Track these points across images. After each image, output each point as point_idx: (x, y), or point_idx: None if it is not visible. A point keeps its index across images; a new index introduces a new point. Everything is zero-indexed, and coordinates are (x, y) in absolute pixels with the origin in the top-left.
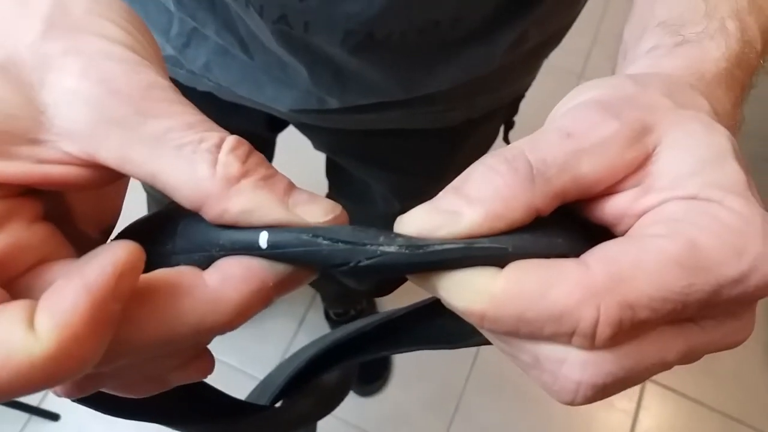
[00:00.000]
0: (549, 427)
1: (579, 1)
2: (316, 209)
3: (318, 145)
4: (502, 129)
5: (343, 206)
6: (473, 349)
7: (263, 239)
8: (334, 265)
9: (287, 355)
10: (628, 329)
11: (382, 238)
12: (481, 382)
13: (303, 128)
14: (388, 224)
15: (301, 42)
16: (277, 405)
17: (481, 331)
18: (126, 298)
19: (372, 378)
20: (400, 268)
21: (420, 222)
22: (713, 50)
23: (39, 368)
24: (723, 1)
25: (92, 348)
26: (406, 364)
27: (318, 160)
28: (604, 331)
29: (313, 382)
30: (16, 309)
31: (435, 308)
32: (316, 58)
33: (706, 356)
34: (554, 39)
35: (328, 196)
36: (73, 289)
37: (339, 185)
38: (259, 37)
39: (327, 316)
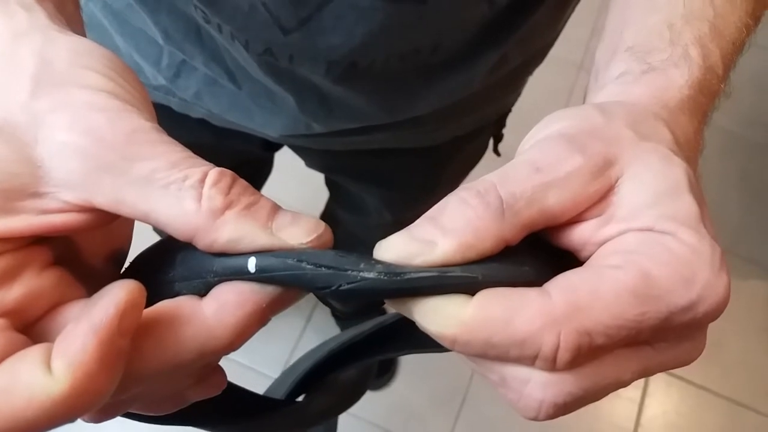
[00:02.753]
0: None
1: (560, 20)
2: (298, 231)
3: (310, 164)
4: (491, 142)
5: (341, 216)
6: None
7: (252, 264)
8: (317, 288)
9: (295, 353)
10: (587, 353)
11: (362, 265)
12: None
13: (294, 149)
14: (382, 233)
15: (287, 72)
16: (299, 400)
17: (453, 350)
18: (131, 334)
19: (380, 372)
20: (379, 293)
21: (398, 250)
22: (677, 78)
23: (59, 405)
24: (686, 27)
25: (105, 381)
26: (412, 359)
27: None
28: (563, 356)
29: (330, 379)
30: (34, 354)
31: None
32: (302, 87)
33: (710, 343)
34: (536, 58)
35: (328, 204)
36: (81, 332)
37: (336, 196)
38: (245, 68)
39: (333, 314)
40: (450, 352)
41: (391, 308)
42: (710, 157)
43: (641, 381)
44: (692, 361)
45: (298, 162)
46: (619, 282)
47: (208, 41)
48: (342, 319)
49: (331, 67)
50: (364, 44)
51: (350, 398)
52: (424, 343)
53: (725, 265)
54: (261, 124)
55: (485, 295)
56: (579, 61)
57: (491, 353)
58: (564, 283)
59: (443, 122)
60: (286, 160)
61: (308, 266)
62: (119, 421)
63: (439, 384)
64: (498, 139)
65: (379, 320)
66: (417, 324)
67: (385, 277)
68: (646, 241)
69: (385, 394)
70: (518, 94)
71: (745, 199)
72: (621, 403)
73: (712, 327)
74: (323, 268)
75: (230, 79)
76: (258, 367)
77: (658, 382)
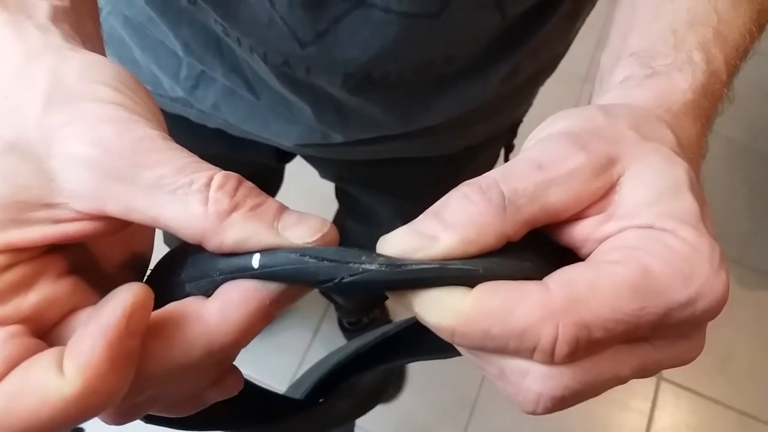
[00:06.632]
0: (565, 430)
1: (572, 30)
2: (303, 230)
3: (324, 175)
4: (502, 152)
5: (351, 227)
6: None
7: (255, 261)
8: (320, 281)
9: (303, 365)
10: (585, 347)
11: (364, 257)
12: (496, 386)
13: (309, 159)
14: None
15: (304, 83)
16: (320, 404)
17: (453, 344)
18: (140, 334)
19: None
20: (380, 284)
21: (400, 243)
22: (681, 82)
23: (72, 405)
24: (690, 33)
25: (115, 382)
26: (419, 370)
27: (329, 183)
28: (562, 348)
29: (351, 383)
30: (47, 357)
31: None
32: (318, 97)
33: (719, 354)
34: (548, 68)
35: (337, 216)
36: (90, 334)
37: (347, 208)
38: (264, 78)
39: (341, 326)
40: (457, 364)
41: (393, 301)
42: (717, 167)
43: (650, 393)
44: (690, 360)
45: (304, 175)
46: (618, 276)
47: (228, 53)
48: (349, 330)
49: (347, 79)
50: (379, 57)
51: (372, 401)
52: (432, 349)
53: (724, 263)
54: (278, 133)
55: (485, 287)
56: (584, 74)
57: (490, 345)
58: (563, 277)
59: (457, 131)
60: (292, 173)
61: (311, 260)
62: (146, 426)
63: (447, 396)
64: (509, 149)
65: (385, 329)
66: (417, 317)
67: (386, 269)
68: (646, 237)
69: (393, 407)
70: (530, 105)
71: (752, 209)
72: (630, 415)
73: (720, 338)
74: (325, 261)
75: (249, 89)
76: (266, 380)
77: (668, 394)
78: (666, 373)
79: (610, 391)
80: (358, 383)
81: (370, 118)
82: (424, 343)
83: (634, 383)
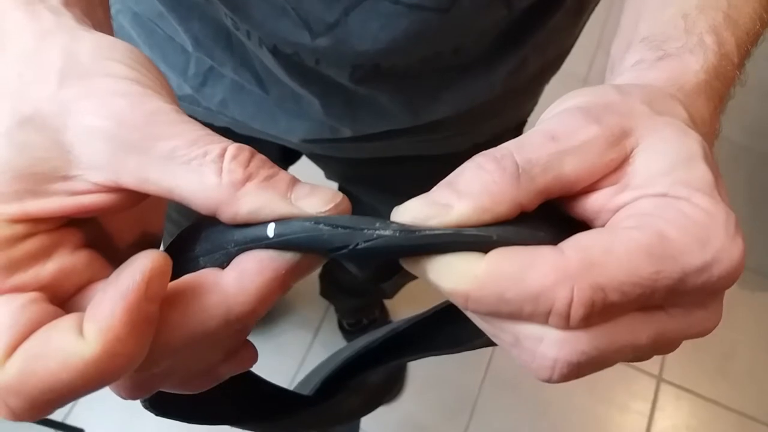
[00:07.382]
0: (565, 430)
1: (577, 25)
2: (316, 200)
3: (330, 175)
4: None
5: None
6: (487, 354)
7: (270, 230)
8: (335, 248)
9: (303, 366)
10: (601, 311)
11: (378, 224)
12: (496, 387)
13: (315, 158)
14: None
15: (313, 75)
16: (328, 401)
17: (466, 312)
18: (158, 300)
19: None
20: (395, 250)
21: (414, 211)
22: (693, 63)
23: (92, 367)
24: (701, 17)
25: (134, 345)
26: (420, 372)
27: (333, 185)
28: (577, 311)
29: (357, 381)
30: (68, 321)
31: (436, 318)
32: (327, 89)
33: (719, 355)
34: (554, 64)
35: None
36: (110, 298)
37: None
38: (273, 72)
39: (341, 327)
40: (458, 364)
41: (406, 267)
42: None
43: (650, 394)
44: (707, 332)
45: (307, 177)
46: (633, 241)
47: (238, 47)
48: (349, 331)
49: (355, 70)
50: (387, 49)
51: (379, 398)
52: (442, 344)
53: (740, 231)
54: (285, 129)
55: (499, 252)
56: (584, 74)
57: (504, 310)
58: (578, 242)
59: (462, 128)
60: (295, 174)
61: (325, 227)
62: (156, 420)
63: (447, 397)
64: None
65: (394, 325)
66: (430, 283)
67: (401, 235)
68: (661, 205)
69: (393, 408)
70: (535, 102)
71: (752, 210)
72: (630, 416)
73: (720, 340)
74: (340, 228)
75: (258, 83)
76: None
77: (668, 395)
78: (666, 374)
79: (610, 391)
80: (367, 380)
81: (378, 109)
82: (434, 338)
83: (634, 384)
